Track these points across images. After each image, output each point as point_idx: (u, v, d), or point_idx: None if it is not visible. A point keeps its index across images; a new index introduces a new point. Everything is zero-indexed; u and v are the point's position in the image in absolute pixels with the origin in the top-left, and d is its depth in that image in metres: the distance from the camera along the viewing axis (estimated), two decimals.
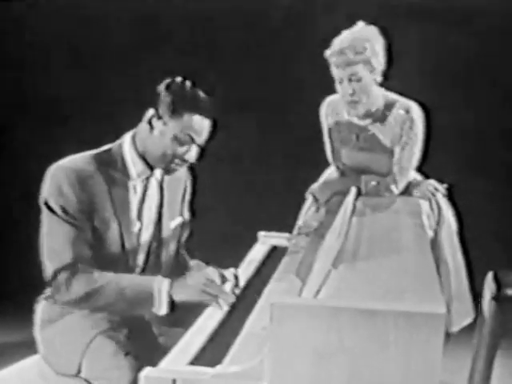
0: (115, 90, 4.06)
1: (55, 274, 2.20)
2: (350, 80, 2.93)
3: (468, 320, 3.03)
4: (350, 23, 2.99)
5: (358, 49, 2.90)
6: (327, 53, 2.96)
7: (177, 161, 2.31)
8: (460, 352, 2.45)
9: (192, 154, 2.32)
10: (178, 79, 2.30)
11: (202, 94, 2.29)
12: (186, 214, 2.58)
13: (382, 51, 2.99)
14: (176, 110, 2.25)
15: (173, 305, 2.18)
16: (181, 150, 2.29)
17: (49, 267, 2.22)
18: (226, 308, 2.14)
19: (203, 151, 2.36)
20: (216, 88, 2.33)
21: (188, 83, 2.29)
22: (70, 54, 4.14)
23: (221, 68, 3.97)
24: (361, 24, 2.99)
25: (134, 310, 2.22)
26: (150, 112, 2.28)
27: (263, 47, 4.05)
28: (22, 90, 4.22)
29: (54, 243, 2.22)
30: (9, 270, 3.99)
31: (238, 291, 2.26)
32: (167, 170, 2.36)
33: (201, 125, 2.27)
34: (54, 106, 4.18)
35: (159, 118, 2.27)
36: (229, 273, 2.29)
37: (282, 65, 4.05)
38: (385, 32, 3.01)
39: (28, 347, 2.37)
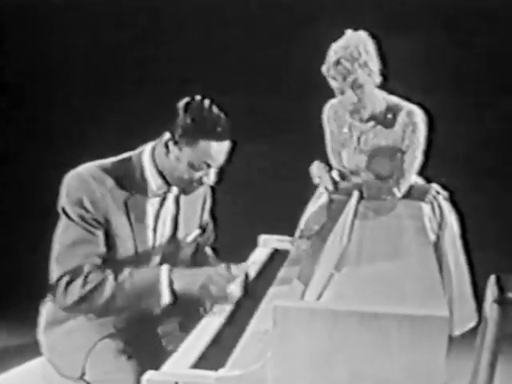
0: (132, 99, 4.07)
1: (60, 277, 2.18)
2: (352, 88, 2.92)
3: (471, 324, 3.03)
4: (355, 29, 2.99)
5: (354, 55, 2.89)
6: (324, 68, 2.95)
7: (194, 184, 2.29)
8: (462, 355, 2.45)
9: (210, 177, 2.28)
10: (197, 98, 2.24)
11: (219, 116, 2.22)
12: (209, 223, 2.57)
13: (374, 51, 2.98)
14: (192, 137, 2.19)
15: (175, 296, 2.15)
16: (197, 174, 2.26)
17: (55, 271, 2.20)
18: (218, 317, 2.09)
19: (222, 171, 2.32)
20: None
21: (206, 104, 2.23)
22: (85, 63, 4.15)
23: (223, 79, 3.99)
24: (348, 32, 2.98)
25: (136, 303, 2.17)
26: (166, 136, 2.23)
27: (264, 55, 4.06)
28: (37, 100, 4.23)
29: (65, 249, 2.20)
30: (13, 272, 3.99)
31: (244, 289, 2.22)
32: (184, 191, 2.34)
33: (218, 150, 2.21)
34: (70, 112, 4.19)
35: (175, 142, 2.22)
36: (238, 269, 2.25)
37: (283, 71, 4.06)
38: (374, 36, 3.00)
39: (32, 349, 2.37)
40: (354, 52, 2.90)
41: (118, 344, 2.21)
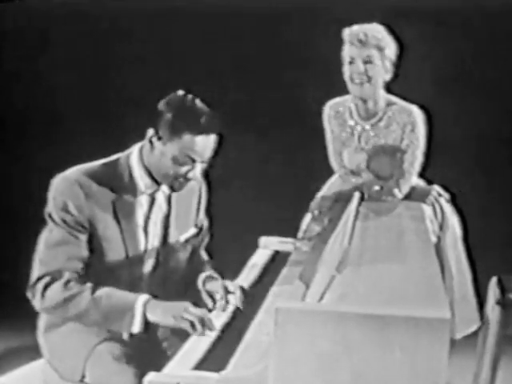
0: (122, 99, 4.06)
1: (40, 278, 2.17)
2: (364, 62, 3.01)
3: (473, 327, 3.02)
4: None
5: (378, 35, 3.01)
6: (346, 31, 3.06)
7: (180, 179, 2.26)
8: (464, 357, 2.45)
9: (196, 172, 2.25)
10: (180, 93, 2.24)
11: (204, 109, 2.21)
12: (205, 222, 2.53)
13: (395, 52, 3.09)
14: (175, 131, 2.18)
15: (147, 325, 2.12)
16: (182, 169, 2.23)
17: (36, 270, 2.20)
18: (202, 335, 2.04)
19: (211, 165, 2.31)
20: (218, 97, 2.30)
21: (189, 98, 2.22)
22: (74, 64, 4.14)
23: (220, 78, 3.98)
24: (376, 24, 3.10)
25: (106, 323, 2.15)
26: (150, 132, 2.22)
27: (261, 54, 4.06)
28: (26, 99, 4.22)
29: (46, 250, 2.20)
30: (14, 273, 3.99)
31: (242, 305, 2.23)
32: (172, 188, 2.31)
33: (203, 144, 2.19)
34: (59, 114, 4.18)
35: (159, 138, 2.21)
36: (234, 285, 2.28)
37: (282, 69, 4.05)
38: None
39: (32, 352, 2.37)
40: (378, 34, 3.02)
41: (117, 347, 2.20)
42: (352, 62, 3.04)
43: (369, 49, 3.01)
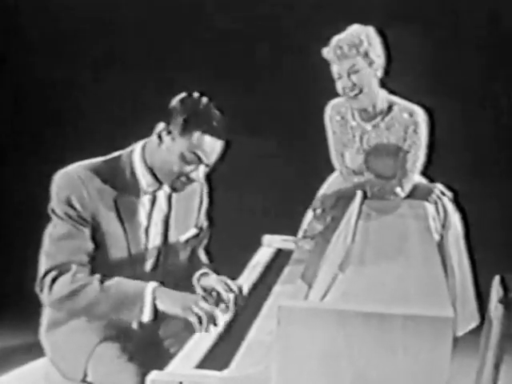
0: (126, 98, 4.07)
1: (45, 273, 2.17)
2: (348, 74, 2.98)
3: (473, 324, 3.03)
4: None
5: (355, 41, 2.96)
6: (325, 50, 3.02)
7: (182, 179, 2.25)
8: (466, 355, 2.45)
9: (199, 173, 2.24)
10: (195, 94, 2.24)
11: (216, 113, 2.22)
12: (205, 223, 2.53)
13: (380, 45, 3.04)
14: (186, 127, 2.18)
15: (157, 313, 2.11)
16: (187, 168, 2.22)
17: (43, 264, 2.20)
18: (207, 331, 2.03)
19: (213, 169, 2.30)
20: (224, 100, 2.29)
21: (204, 100, 2.23)
22: (79, 61, 4.15)
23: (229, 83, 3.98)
24: (356, 25, 3.04)
25: (116, 313, 2.14)
26: (161, 126, 2.22)
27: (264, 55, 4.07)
28: (28, 95, 4.23)
29: (52, 244, 2.20)
30: (16, 273, 4.00)
31: (238, 305, 2.22)
32: (173, 188, 2.29)
33: (211, 145, 2.20)
34: (61, 111, 4.19)
35: (169, 132, 2.21)
36: (234, 285, 2.27)
37: (284, 69, 4.06)
38: (381, 33, 3.07)
39: (34, 350, 2.37)
40: (355, 39, 2.97)
41: (119, 345, 2.20)
42: (340, 77, 3.00)
43: (352, 58, 2.95)
